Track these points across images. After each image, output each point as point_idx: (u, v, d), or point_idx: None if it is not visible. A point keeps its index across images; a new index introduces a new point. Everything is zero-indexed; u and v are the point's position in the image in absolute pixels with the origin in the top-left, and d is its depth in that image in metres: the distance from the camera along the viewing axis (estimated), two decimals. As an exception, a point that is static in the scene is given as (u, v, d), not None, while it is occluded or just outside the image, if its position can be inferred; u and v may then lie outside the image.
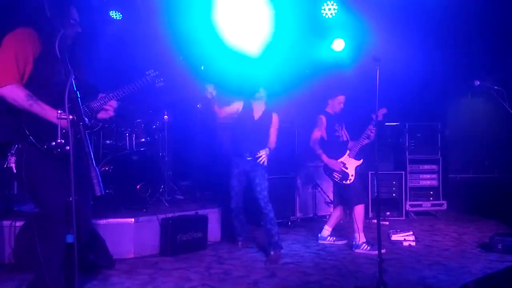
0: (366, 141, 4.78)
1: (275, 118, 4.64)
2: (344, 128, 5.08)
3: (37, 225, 2.56)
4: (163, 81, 3.14)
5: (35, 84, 2.51)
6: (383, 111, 4.64)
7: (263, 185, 4.46)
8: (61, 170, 2.55)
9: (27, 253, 3.72)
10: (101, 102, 2.86)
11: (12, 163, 2.53)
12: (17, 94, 2.43)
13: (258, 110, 4.61)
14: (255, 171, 4.48)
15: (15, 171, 2.54)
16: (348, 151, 4.90)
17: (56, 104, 2.49)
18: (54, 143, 2.50)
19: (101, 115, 2.92)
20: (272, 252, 4.37)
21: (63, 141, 2.36)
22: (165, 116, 5.76)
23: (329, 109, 5.02)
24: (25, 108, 2.45)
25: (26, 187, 2.53)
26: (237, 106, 4.56)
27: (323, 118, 4.94)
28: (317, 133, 4.93)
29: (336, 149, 4.92)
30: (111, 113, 2.91)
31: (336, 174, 4.84)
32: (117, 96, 2.91)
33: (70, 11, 2.62)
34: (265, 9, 5.90)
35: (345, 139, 5.04)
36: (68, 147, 2.50)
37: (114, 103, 2.90)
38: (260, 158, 4.39)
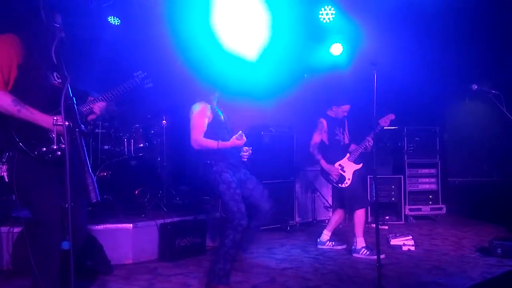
0: (363, 151, 4.78)
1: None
2: (346, 131, 5.07)
3: (29, 233, 2.51)
4: (151, 82, 3.13)
5: (21, 90, 2.47)
6: (391, 117, 4.64)
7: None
8: (54, 176, 2.52)
9: (25, 259, 3.70)
10: (91, 105, 2.86)
11: (3, 171, 2.49)
12: (3, 100, 2.39)
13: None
14: (251, 178, 3.88)
15: (7, 180, 2.49)
16: (348, 154, 4.89)
17: (45, 109, 2.46)
18: (44, 148, 2.48)
19: (90, 117, 2.91)
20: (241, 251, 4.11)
21: (55, 146, 2.34)
22: (164, 121, 5.75)
23: (331, 113, 5.00)
24: (13, 114, 2.41)
25: (18, 195, 2.47)
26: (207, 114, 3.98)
27: (324, 122, 4.92)
28: (317, 138, 4.91)
29: (336, 153, 4.90)
30: (97, 111, 2.87)
31: (332, 177, 4.83)
32: (107, 98, 2.91)
33: (53, 16, 2.60)
34: (263, 14, 5.91)
35: (346, 142, 5.04)
36: (60, 152, 2.49)
37: (101, 104, 2.87)
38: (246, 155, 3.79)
